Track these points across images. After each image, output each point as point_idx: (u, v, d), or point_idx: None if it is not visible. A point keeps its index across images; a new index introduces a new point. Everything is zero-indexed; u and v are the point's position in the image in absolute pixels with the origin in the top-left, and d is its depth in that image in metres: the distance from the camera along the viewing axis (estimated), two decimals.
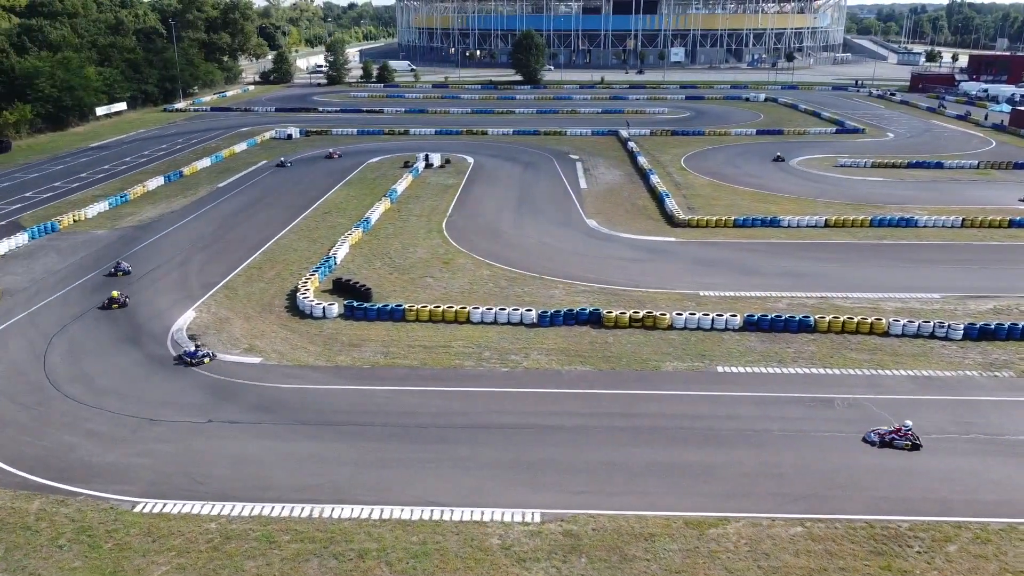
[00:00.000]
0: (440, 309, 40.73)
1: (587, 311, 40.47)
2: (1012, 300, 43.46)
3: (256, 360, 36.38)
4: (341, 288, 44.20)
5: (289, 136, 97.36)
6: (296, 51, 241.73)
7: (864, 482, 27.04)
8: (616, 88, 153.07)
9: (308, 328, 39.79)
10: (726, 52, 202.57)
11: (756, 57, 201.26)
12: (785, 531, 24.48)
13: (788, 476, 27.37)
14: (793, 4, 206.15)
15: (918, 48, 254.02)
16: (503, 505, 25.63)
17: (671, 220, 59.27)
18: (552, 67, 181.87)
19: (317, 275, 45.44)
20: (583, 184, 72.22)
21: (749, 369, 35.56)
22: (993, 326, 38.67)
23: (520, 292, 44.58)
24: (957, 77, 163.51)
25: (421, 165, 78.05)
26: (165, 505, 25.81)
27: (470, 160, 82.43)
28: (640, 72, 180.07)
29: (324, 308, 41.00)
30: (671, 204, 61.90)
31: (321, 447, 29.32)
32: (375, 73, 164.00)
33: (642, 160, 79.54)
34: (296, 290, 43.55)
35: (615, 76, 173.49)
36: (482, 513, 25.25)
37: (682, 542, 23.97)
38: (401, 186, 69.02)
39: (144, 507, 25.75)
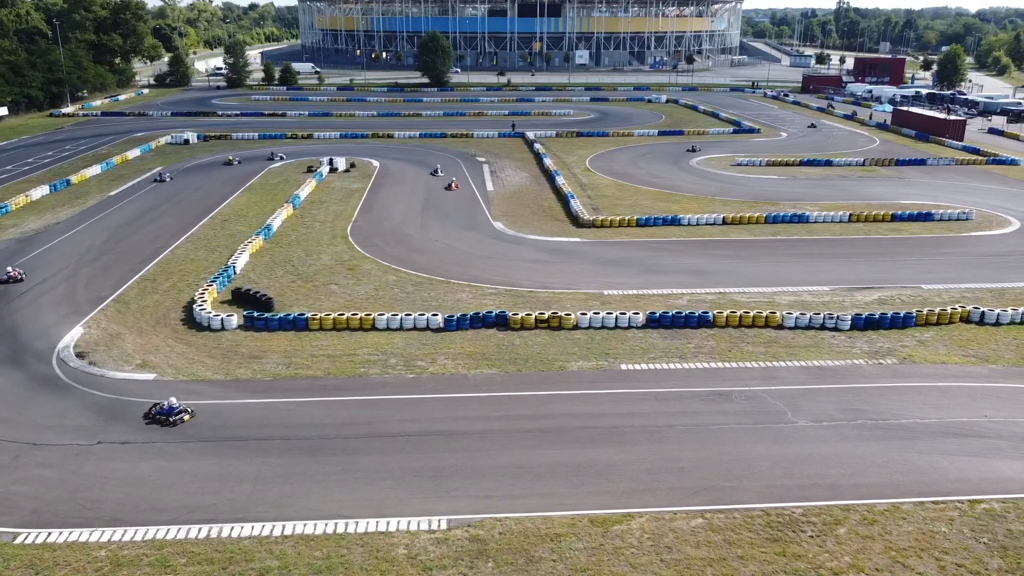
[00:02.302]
0: (344, 317, 40.02)
1: (494, 314, 40.54)
2: (895, 290, 45.95)
3: (150, 376, 34.87)
4: (241, 298, 42.86)
5: (186, 141, 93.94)
6: (194, 53, 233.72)
7: (760, 471, 28.00)
8: (523, 90, 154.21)
9: (206, 341, 38.40)
10: (629, 55, 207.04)
11: (658, 60, 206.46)
12: (686, 523, 25.09)
13: (689, 469, 28.07)
14: (692, 8, 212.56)
15: (809, 51, 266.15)
16: (409, 514, 25.35)
17: (576, 221, 60.07)
18: (459, 69, 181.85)
19: (215, 286, 43.92)
20: (490, 186, 72.41)
21: (652, 366, 36.34)
22: (878, 316, 40.80)
23: (427, 296, 44.28)
24: (844, 79, 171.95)
25: (325, 169, 76.61)
26: (50, 534, 24.37)
27: (376, 164, 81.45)
28: (501, 74, 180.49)
29: (222, 320, 39.65)
30: (576, 205, 62.75)
31: (219, 464, 28.31)
32: (277, 75, 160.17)
33: (548, 161, 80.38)
34: (193, 302, 41.99)
35: (521, 78, 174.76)
36: (387, 523, 24.91)
37: (587, 540, 24.24)
38: (304, 191, 67.56)
39: (26, 538, 24.24)
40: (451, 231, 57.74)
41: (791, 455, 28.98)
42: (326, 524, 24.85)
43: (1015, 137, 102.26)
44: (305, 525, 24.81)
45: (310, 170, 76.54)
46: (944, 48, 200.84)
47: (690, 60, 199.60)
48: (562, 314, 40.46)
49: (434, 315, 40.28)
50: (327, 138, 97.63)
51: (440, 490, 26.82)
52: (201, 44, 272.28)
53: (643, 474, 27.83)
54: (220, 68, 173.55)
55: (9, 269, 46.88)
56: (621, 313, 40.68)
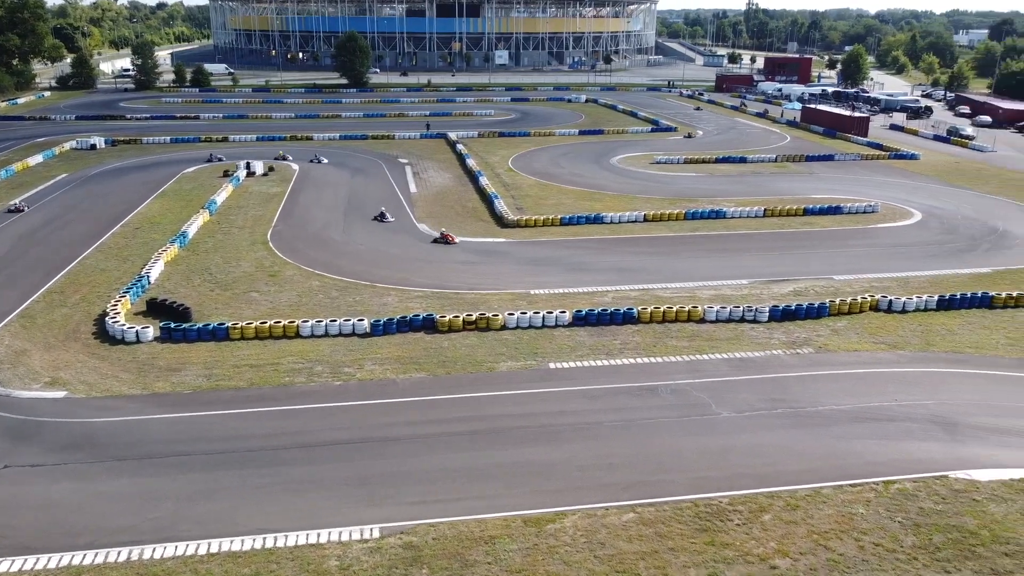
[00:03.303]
0: (267, 325, 39.03)
1: (421, 317, 40.26)
2: (808, 282, 47.72)
3: (60, 394, 33.24)
4: (156, 309, 41.30)
5: (93, 146, 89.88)
6: (99, 54, 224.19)
7: (688, 463, 28.65)
8: (444, 91, 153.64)
9: (120, 355, 36.86)
10: (548, 55, 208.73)
11: (576, 60, 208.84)
12: (618, 519, 25.44)
13: (619, 465, 28.47)
14: (608, 9, 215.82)
15: (721, 51, 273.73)
16: (340, 524, 24.92)
17: (501, 221, 60.22)
18: (378, 70, 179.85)
19: (128, 296, 42.21)
20: (413, 188, 71.88)
21: (580, 363, 36.71)
22: (794, 307, 42.28)
23: (352, 301, 43.62)
24: (755, 78, 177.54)
25: (242, 174, 74.56)
26: None
27: (295, 167, 79.76)
28: (404, 74, 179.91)
29: (137, 332, 38.15)
30: (500, 205, 62.90)
31: (139, 483, 27.20)
32: (189, 77, 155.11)
33: (471, 162, 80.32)
34: (105, 314, 40.26)
35: (442, 79, 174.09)
36: (318, 535, 24.42)
37: (521, 541, 24.31)
38: (221, 196, 65.60)
39: None
40: (375, 234, 57.04)
41: (717, 446, 29.73)
42: (254, 539, 24.20)
43: (914, 133, 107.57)
44: (232, 542, 24.10)
45: (226, 174, 74.37)
46: (847, 48, 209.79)
47: (608, 60, 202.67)
48: (490, 315, 40.47)
49: (360, 320, 39.72)
50: (243, 141, 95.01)
51: (371, 498, 26.46)
52: (106, 44, 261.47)
53: (575, 472, 28.09)
54: (127, 69, 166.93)
55: (16, 202, 62.06)
56: (548, 312, 40.97)
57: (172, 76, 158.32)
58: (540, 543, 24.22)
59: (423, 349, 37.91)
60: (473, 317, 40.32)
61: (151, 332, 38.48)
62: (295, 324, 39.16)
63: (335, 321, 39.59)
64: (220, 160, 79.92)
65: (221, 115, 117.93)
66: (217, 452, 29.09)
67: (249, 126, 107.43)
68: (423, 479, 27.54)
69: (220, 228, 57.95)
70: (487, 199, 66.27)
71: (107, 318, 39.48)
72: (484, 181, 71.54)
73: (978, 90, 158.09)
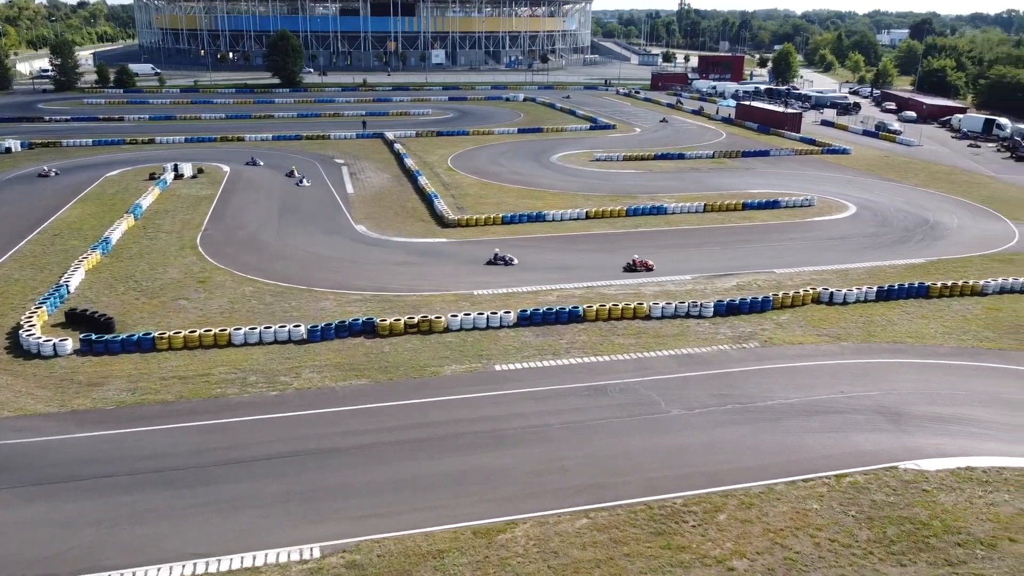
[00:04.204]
0: (196, 334, 37.03)
1: (360, 321, 38.79)
2: (751, 276, 47.80)
3: None
4: (76, 320, 38.83)
5: (8, 150, 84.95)
6: (16, 54, 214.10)
7: (640, 464, 27.96)
8: (380, 90, 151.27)
9: (36, 370, 34.42)
10: (485, 54, 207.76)
11: (513, 59, 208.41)
12: (571, 525, 24.57)
13: (571, 469, 27.61)
14: (544, 8, 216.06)
15: (656, 50, 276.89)
16: (278, 545, 23.43)
17: (441, 221, 58.97)
18: (312, 70, 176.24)
19: (45, 307, 39.60)
20: (350, 189, 70.02)
21: (526, 365, 35.79)
22: (738, 301, 42.18)
23: (287, 307, 41.84)
24: (690, 76, 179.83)
25: (170, 176, 71.50)
26: None
27: (226, 169, 76.91)
28: (324, 74, 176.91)
29: (55, 345, 35.70)
30: (440, 205, 61.64)
31: (58, 509, 25.18)
32: (113, 77, 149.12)
33: (409, 162, 78.78)
34: (19, 327, 37.64)
35: (377, 78, 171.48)
36: (254, 557, 22.90)
37: (471, 554, 23.22)
38: (147, 200, 62.66)
39: None
40: (311, 236, 55.14)
41: (669, 445, 29.16)
42: (183, 565, 22.55)
43: (844, 128, 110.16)
44: (160, 569, 22.41)
45: (152, 177, 71.18)
46: (777, 47, 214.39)
47: (544, 59, 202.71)
48: (432, 317, 39.27)
49: (296, 326, 38.02)
50: (171, 143, 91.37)
51: (311, 515, 25.01)
52: (23, 44, 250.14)
53: (526, 477, 27.13)
54: (46, 70, 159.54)
55: (45, 167, 70.51)
56: (492, 313, 39.94)
57: (94, 77, 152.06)
58: (491, 555, 23.19)
59: (363, 355, 36.46)
60: (415, 320, 39.06)
61: (70, 345, 36.09)
62: (227, 332, 37.24)
63: (270, 328, 37.80)
64: (258, 164, 77.75)
65: (147, 116, 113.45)
66: (143, 472, 27.17)
67: (177, 127, 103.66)
68: (366, 492, 26.20)
69: (146, 233, 55.23)
70: (427, 199, 64.92)
71: (21, 331, 36.90)
72: (423, 181, 70.16)
73: (902, 87, 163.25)
